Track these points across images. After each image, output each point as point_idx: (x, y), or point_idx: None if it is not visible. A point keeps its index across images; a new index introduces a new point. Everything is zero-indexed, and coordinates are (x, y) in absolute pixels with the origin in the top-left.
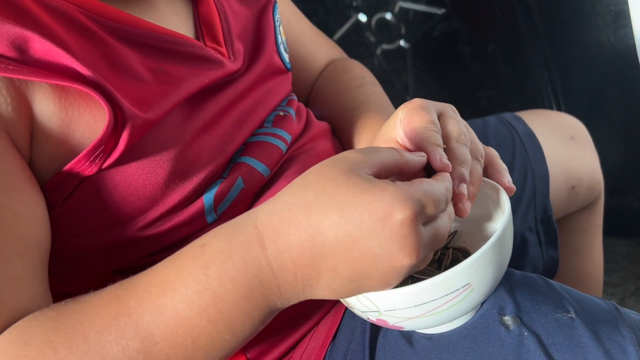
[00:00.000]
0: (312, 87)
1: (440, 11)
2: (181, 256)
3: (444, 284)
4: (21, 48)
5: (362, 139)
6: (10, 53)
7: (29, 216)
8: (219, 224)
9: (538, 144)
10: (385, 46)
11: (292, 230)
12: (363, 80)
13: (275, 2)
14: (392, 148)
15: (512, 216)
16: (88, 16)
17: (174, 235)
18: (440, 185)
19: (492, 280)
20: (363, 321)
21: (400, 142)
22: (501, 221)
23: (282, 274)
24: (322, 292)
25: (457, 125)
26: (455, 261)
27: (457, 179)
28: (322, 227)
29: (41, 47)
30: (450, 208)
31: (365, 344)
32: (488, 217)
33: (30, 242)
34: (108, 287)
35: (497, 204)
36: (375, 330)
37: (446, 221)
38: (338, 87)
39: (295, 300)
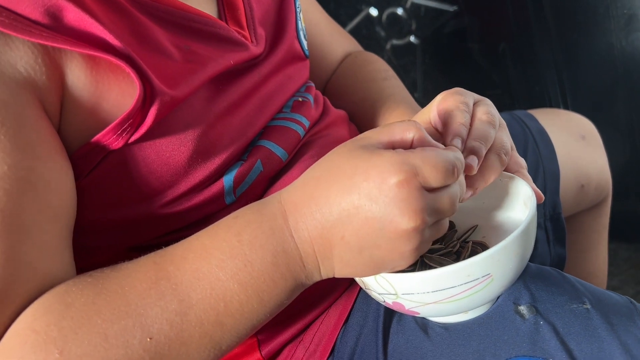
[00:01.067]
0: (331, 77)
1: (452, 8)
2: (215, 227)
3: (464, 271)
4: (55, 16)
5: None
6: (45, 20)
7: (60, 185)
8: (237, 206)
9: (550, 142)
10: (395, 41)
11: (305, 202)
12: (387, 73)
13: None
14: (410, 121)
15: (537, 212)
16: None
17: (193, 215)
18: (446, 152)
19: (512, 273)
20: (376, 306)
21: (432, 123)
22: (526, 215)
23: (301, 244)
24: (337, 265)
25: (488, 110)
26: (473, 255)
27: (468, 150)
28: (328, 197)
29: (75, 16)
30: (462, 178)
31: (379, 327)
32: (510, 213)
33: (60, 211)
34: (143, 256)
35: (519, 200)
36: (388, 315)
37: (455, 189)
38: (362, 78)
39: (316, 274)
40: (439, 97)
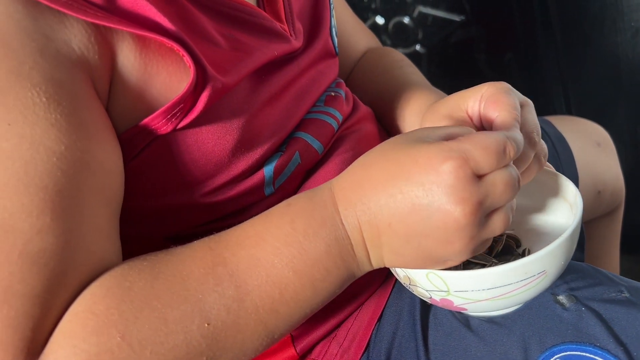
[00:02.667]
0: (351, 73)
1: (459, 18)
2: (268, 214)
3: (523, 269)
4: None
5: (409, 109)
6: (99, 1)
7: (112, 167)
8: (276, 198)
9: (568, 148)
10: (401, 50)
11: (354, 190)
12: (402, 62)
13: None
14: (464, 127)
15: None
16: None
17: (232, 206)
18: (496, 134)
19: (562, 269)
20: (411, 301)
21: (469, 112)
22: (576, 210)
23: (351, 232)
24: (387, 254)
25: (535, 119)
26: (507, 248)
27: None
28: (376, 184)
29: None
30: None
31: (416, 322)
32: (542, 206)
33: (112, 194)
34: (196, 241)
35: (554, 193)
36: (424, 310)
37: (510, 174)
38: (378, 70)
39: (367, 264)
40: (486, 89)
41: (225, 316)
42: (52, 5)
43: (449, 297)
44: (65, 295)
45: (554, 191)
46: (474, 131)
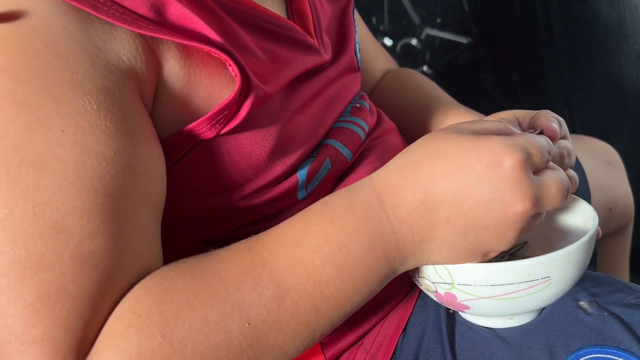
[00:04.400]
0: (373, 91)
1: (466, 40)
2: (306, 212)
3: (525, 270)
4: (159, 11)
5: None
6: (150, 14)
7: (157, 172)
8: (307, 202)
9: (580, 166)
10: None
11: (405, 185)
12: (433, 83)
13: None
14: (500, 121)
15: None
16: None
17: (266, 209)
18: (542, 137)
19: (569, 282)
20: (436, 310)
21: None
22: (590, 227)
23: (399, 227)
24: (437, 248)
25: (566, 143)
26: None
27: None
28: (434, 178)
29: (177, 12)
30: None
31: (442, 328)
32: (561, 230)
33: (156, 198)
34: (234, 243)
35: (577, 219)
36: (450, 318)
37: (562, 176)
38: (409, 87)
39: (410, 260)
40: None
41: (265, 315)
42: (106, 18)
43: (453, 291)
44: (113, 296)
45: (573, 214)
46: (509, 126)
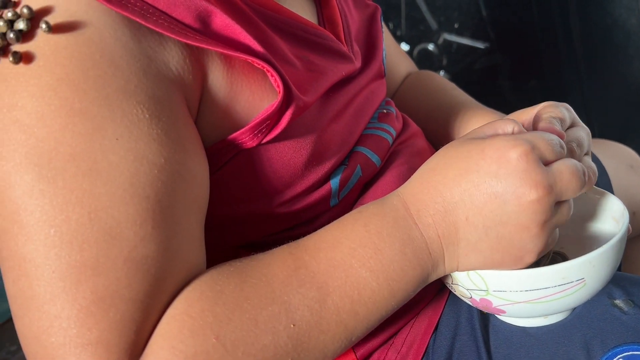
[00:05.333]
0: (395, 94)
1: (483, 45)
2: (342, 220)
3: (561, 274)
4: (204, 21)
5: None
6: (195, 24)
7: (202, 179)
8: (339, 209)
9: (604, 170)
10: None
11: (424, 191)
12: (453, 85)
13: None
14: (508, 119)
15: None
16: (243, 1)
17: (301, 216)
18: (553, 135)
19: (602, 281)
20: (468, 309)
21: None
22: (620, 226)
23: (426, 230)
24: (463, 250)
25: (579, 135)
26: (553, 263)
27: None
28: (447, 182)
29: (221, 22)
30: (587, 160)
31: (475, 327)
32: (593, 226)
33: (201, 204)
34: (275, 248)
35: (605, 214)
36: (483, 316)
37: (574, 163)
38: (432, 89)
39: (442, 265)
40: (541, 107)
41: (309, 317)
42: (155, 28)
43: (488, 297)
44: (164, 299)
45: (602, 209)
46: (520, 125)
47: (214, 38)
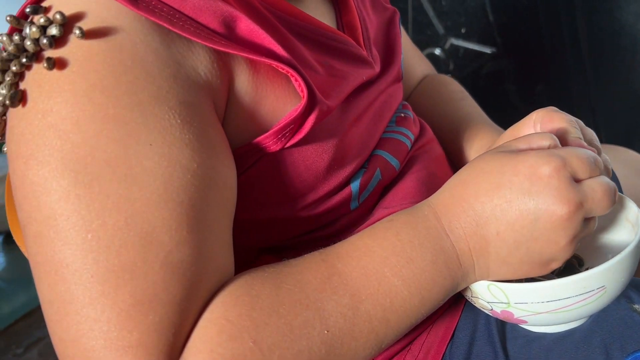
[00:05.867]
0: (409, 96)
1: (490, 50)
2: (373, 229)
3: (582, 283)
4: (229, 26)
5: (475, 146)
6: (221, 29)
7: (232, 183)
8: (358, 212)
9: (615, 176)
10: None
11: (456, 203)
12: (463, 94)
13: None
14: (545, 133)
15: None
16: (265, 7)
17: (323, 219)
18: (584, 149)
19: (622, 286)
20: (485, 314)
21: None
22: (638, 229)
23: (457, 242)
24: (493, 264)
25: (588, 130)
26: (569, 267)
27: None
28: (479, 197)
29: (246, 27)
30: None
31: (492, 333)
32: (605, 228)
33: (231, 208)
34: (306, 255)
35: (616, 213)
36: (500, 321)
37: (606, 180)
38: (440, 98)
39: (471, 275)
40: (536, 116)
41: (342, 323)
42: (181, 33)
43: (509, 309)
44: (199, 303)
45: (616, 211)
46: (554, 137)
47: (239, 43)
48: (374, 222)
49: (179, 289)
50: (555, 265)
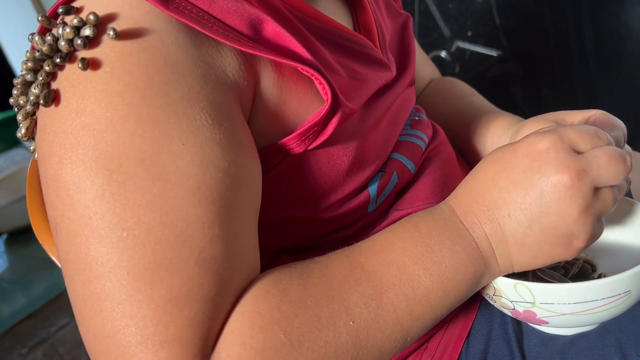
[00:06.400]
0: (417, 98)
1: (496, 53)
2: (393, 226)
3: (610, 287)
4: (256, 28)
5: (490, 134)
6: (248, 31)
7: (259, 182)
8: (375, 215)
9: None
10: None
11: (467, 194)
12: (472, 90)
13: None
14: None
15: None
16: (288, 10)
17: (341, 221)
18: (583, 125)
19: None
20: (501, 314)
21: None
22: None
23: (472, 229)
24: (513, 249)
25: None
26: (582, 272)
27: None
28: (486, 183)
29: (272, 29)
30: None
31: (509, 332)
32: (619, 234)
33: (257, 206)
34: (330, 252)
35: (630, 220)
36: (516, 321)
37: (613, 148)
38: (451, 96)
39: (494, 263)
40: (596, 113)
41: (367, 314)
42: (210, 34)
43: (534, 309)
44: (230, 298)
45: (627, 216)
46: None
47: (265, 45)
48: (389, 224)
49: (212, 284)
50: (579, 243)
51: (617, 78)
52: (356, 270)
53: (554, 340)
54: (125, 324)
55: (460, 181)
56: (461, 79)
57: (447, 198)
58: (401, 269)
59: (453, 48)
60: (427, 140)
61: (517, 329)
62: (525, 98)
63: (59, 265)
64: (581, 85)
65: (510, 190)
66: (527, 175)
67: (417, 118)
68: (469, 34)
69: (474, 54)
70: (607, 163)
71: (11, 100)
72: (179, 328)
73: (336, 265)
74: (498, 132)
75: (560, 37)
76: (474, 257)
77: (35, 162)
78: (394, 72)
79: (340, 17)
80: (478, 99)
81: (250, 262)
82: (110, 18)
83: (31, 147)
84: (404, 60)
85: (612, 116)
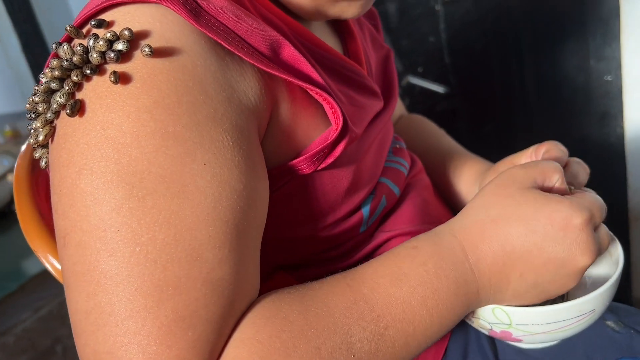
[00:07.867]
0: None
1: (444, 90)
2: (397, 256)
3: (578, 307)
4: (275, 50)
5: (464, 176)
6: (268, 53)
7: (266, 203)
8: (364, 236)
9: None
10: None
11: (485, 241)
12: (442, 131)
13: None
14: (553, 163)
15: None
16: (294, 35)
17: (335, 240)
18: (598, 197)
19: (606, 307)
20: (476, 331)
21: None
22: (619, 259)
23: (480, 278)
24: (508, 297)
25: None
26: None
27: None
28: (511, 238)
29: (289, 53)
30: None
31: (484, 345)
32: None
33: (262, 228)
34: (329, 278)
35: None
36: (490, 337)
37: (606, 229)
38: (424, 134)
39: (484, 303)
40: (532, 147)
41: (368, 349)
42: (237, 52)
43: (509, 330)
44: (232, 322)
45: None
46: (558, 166)
47: (284, 68)
48: (376, 245)
49: (217, 306)
50: (555, 295)
51: (552, 119)
52: (359, 303)
53: (527, 353)
54: (129, 340)
55: (438, 208)
56: (411, 112)
57: (455, 229)
58: (406, 308)
59: (404, 82)
60: (407, 166)
61: (492, 343)
62: (468, 133)
63: (53, 272)
64: (521, 123)
65: (535, 256)
66: (556, 248)
67: (397, 146)
68: (420, 70)
69: (423, 89)
70: (605, 246)
71: (27, 105)
72: (182, 349)
73: (338, 295)
74: (471, 178)
75: (504, 78)
76: (471, 299)
77: (21, 168)
78: (382, 102)
79: (333, 45)
80: (448, 140)
81: (252, 285)
82: (142, 35)
83: (36, 154)
84: (388, 90)
85: (559, 144)
